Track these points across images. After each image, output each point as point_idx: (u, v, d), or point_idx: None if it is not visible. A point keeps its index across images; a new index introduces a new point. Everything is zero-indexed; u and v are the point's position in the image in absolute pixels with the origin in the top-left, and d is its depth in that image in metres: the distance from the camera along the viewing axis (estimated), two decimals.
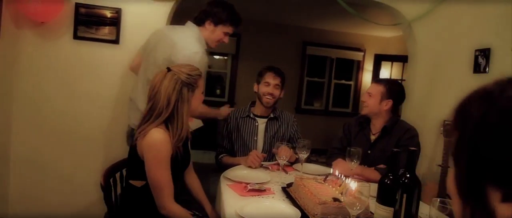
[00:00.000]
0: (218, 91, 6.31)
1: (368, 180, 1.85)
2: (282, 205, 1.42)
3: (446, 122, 2.88)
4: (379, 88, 2.07)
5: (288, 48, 5.94)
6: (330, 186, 1.54)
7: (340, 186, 1.53)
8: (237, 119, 2.33)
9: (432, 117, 2.85)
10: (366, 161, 2.00)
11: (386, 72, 5.58)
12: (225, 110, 2.35)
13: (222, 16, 2.07)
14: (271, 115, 2.33)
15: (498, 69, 2.50)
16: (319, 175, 1.96)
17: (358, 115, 2.34)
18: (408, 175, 1.16)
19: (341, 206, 1.32)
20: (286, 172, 1.98)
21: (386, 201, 1.11)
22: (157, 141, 1.46)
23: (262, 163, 2.05)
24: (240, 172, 1.86)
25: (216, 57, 6.27)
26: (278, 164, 2.08)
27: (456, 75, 2.83)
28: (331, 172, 2.01)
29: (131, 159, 1.57)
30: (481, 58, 2.65)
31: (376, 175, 1.92)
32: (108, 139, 2.54)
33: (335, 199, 1.37)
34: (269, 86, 2.26)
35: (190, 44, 1.94)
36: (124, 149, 2.47)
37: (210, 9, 2.07)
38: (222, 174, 1.81)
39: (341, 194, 1.43)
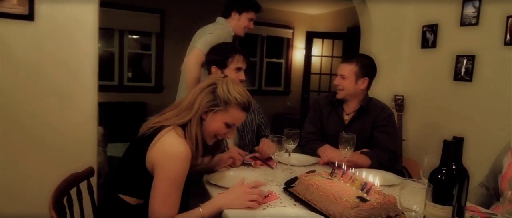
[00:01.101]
0: (142, 75, 5.65)
1: (357, 166, 1.74)
2: (305, 213, 1.19)
3: (396, 97, 2.98)
4: (352, 68, 1.93)
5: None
6: (342, 181, 1.37)
7: (352, 180, 1.36)
8: None
9: (384, 91, 2.90)
10: None
11: (317, 50, 5.67)
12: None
13: (244, 5, 2.42)
14: None
15: (446, 45, 2.63)
16: (305, 166, 1.79)
17: (327, 94, 2.21)
18: (454, 166, 1.03)
19: (373, 207, 1.15)
20: (271, 167, 1.75)
21: (442, 199, 0.97)
22: (182, 153, 1.15)
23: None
24: (226, 175, 1.57)
25: (134, 37, 5.55)
26: (256, 158, 1.84)
27: (405, 51, 2.92)
28: (319, 160, 1.87)
29: (131, 167, 1.22)
30: (429, 34, 2.75)
31: (366, 160, 1.82)
32: (32, 141, 1.95)
33: (362, 199, 1.19)
34: (240, 72, 1.94)
35: (213, 27, 2.41)
36: (50, 153, 1.94)
37: (232, 1, 2.45)
38: (205, 179, 1.50)
39: (362, 190, 1.27)
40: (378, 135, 1.90)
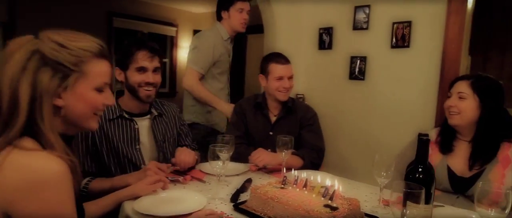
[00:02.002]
0: None
1: (290, 167, 1.66)
2: None
3: (298, 95, 3.07)
4: (291, 70, 1.95)
5: (89, 18, 4.76)
6: (297, 190, 1.24)
7: (305, 186, 1.26)
8: (102, 124, 1.50)
9: None
10: (268, 144, 1.79)
11: None
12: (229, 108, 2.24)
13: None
14: (154, 112, 1.67)
15: (341, 46, 2.83)
16: (238, 175, 1.61)
17: (249, 96, 2.09)
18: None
19: (346, 214, 1.07)
20: (203, 181, 1.50)
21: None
22: (54, 171, 0.77)
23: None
24: (157, 199, 1.25)
25: None
26: (180, 172, 1.56)
27: (304, 51, 3.02)
28: (250, 166, 1.71)
29: None
30: (325, 36, 2.92)
31: (299, 161, 1.76)
32: None
33: (331, 207, 1.09)
34: (146, 73, 1.55)
35: (200, 38, 2.41)
36: None
37: (218, 2, 2.40)
38: (133, 209, 1.15)
39: (324, 197, 1.17)
40: (305, 134, 1.88)
